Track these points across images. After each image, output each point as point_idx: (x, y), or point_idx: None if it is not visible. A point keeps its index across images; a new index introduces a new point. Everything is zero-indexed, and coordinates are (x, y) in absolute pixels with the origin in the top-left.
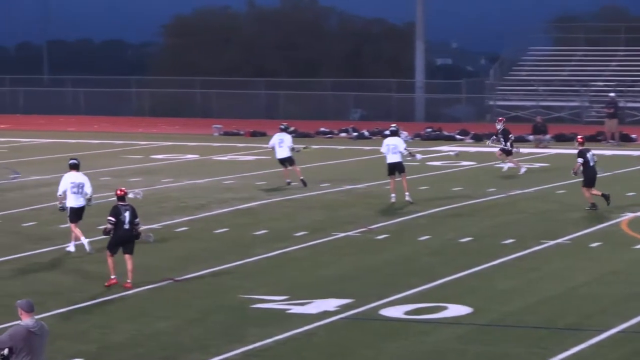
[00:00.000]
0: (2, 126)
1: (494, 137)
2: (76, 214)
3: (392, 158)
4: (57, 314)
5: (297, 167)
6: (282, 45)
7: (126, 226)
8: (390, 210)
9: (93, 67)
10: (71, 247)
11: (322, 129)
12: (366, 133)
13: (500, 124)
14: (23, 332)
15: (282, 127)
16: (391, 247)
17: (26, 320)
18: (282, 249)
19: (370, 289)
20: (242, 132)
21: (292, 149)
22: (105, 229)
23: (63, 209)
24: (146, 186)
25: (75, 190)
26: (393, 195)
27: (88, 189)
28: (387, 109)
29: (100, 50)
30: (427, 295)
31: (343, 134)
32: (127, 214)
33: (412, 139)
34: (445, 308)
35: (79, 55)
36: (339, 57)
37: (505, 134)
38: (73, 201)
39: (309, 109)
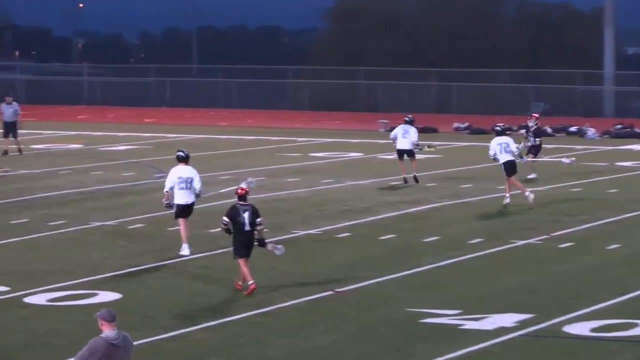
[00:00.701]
0: (147, 120)
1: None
2: (184, 212)
3: (505, 158)
4: (209, 327)
5: (415, 163)
6: (454, 32)
7: (247, 228)
8: (574, 216)
9: (246, 55)
10: (185, 251)
11: (498, 126)
12: (549, 130)
13: (532, 120)
14: (104, 345)
15: (408, 119)
16: (576, 256)
17: (107, 332)
18: (454, 258)
19: (552, 303)
20: None
21: (417, 146)
22: (222, 228)
23: (170, 205)
24: (306, 187)
25: (183, 185)
26: (507, 195)
27: (197, 184)
28: (571, 103)
29: (254, 38)
30: (617, 311)
31: (522, 131)
32: (246, 215)
33: (599, 136)
34: (636, 325)
35: (231, 42)
36: (516, 45)
37: (537, 131)
38: (180, 198)
39: (484, 102)
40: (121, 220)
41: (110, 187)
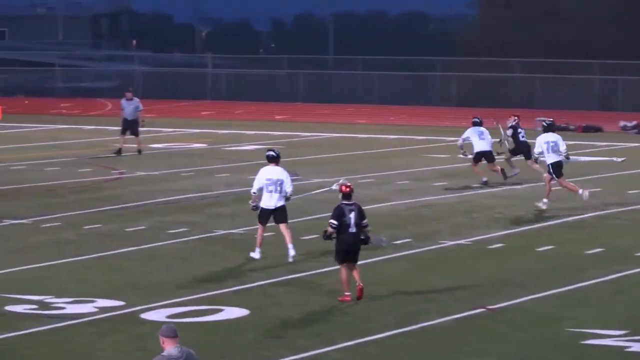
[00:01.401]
0: (279, 117)
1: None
2: (266, 216)
3: (553, 158)
4: (345, 347)
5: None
6: (622, 20)
7: (352, 229)
8: None
9: (388, 45)
10: (255, 254)
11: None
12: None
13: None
14: None
15: (477, 120)
16: None
17: (169, 350)
18: (621, 272)
19: None
20: (572, 127)
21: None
22: (326, 232)
23: (256, 208)
24: (455, 191)
25: (272, 188)
26: (545, 201)
27: (288, 187)
28: None
29: (396, 25)
30: None
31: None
32: (352, 215)
33: None
34: None
35: (370, 31)
36: None
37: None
38: (266, 200)
39: None
40: (248, 228)
41: (237, 191)
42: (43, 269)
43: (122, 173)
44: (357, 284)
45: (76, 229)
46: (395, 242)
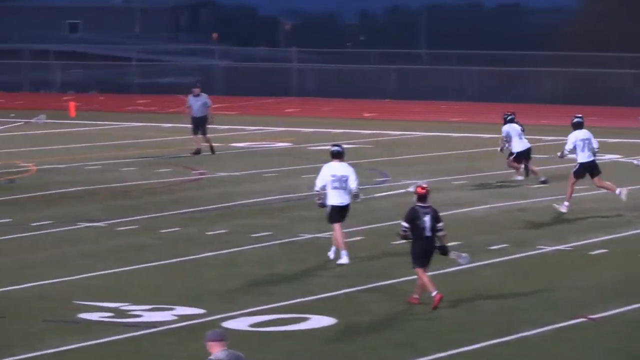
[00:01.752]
0: (367, 115)
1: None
2: (339, 214)
3: (587, 156)
4: (436, 358)
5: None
6: None
7: (427, 233)
8: None
9: (483, 39)
10: (331, 254)
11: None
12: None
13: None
14: None
15: (510, 116)
16: None
17: (217, 354)
18: None
19: None
20: None
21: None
22: (401, 234)
23: (323, 205)
24: (553, 194)
25: (337, 184)
26: (566, 204)
27: (353, 183)
28: None
29: (491, 18)
30: None
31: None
32: (427, 219)
33: None
34: None
35: (465, 24)
36: None
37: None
38: (334, 198)
39: None
40: None
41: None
42: (119, 274)
43: (202, 174)
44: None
45: (153, 233)
46: (490, 248)
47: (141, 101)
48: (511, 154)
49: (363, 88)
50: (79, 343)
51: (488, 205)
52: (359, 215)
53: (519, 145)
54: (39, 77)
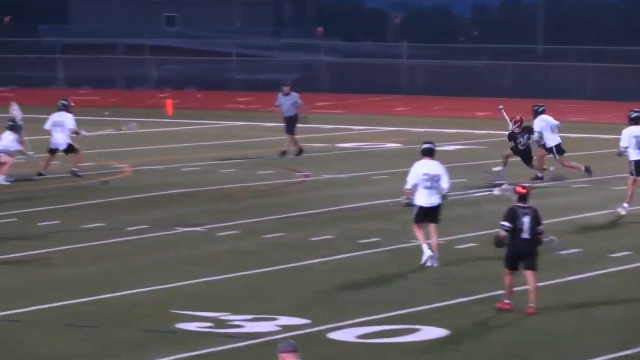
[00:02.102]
0: (480, 114)
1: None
2: (427, 215)
3: (637, 155)
4: None
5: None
6: None
7: (525, 235)
8: None
9: (606, 34)
10: (426, 257)
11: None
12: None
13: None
14: None
15: (542, 107)
16: None
17: None
18: None
19: None
20: None
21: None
22: (497, 237)
23: (410, 205)
24: None
25: (428, 184)
26: (625, 205)
27: (445, 183)
28: None
29: (612, 13)
30: None
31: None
32: (526, 220)
33: None
34: None
35: (582, 18)
36: None
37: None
38: (424, 198)
39: None
40: (447, 238)
41: None
42: (219, 282)
43: (306, 176)
44: (530, 305)
45: (255, 238)
46: (612, 255)
47: (241, 99)
48: (547, 148)
49: (476, 85)
50: (178, 354)
51: (609, 210)
52: (471, 220)
53: (553, 139)
54: (134, 73)
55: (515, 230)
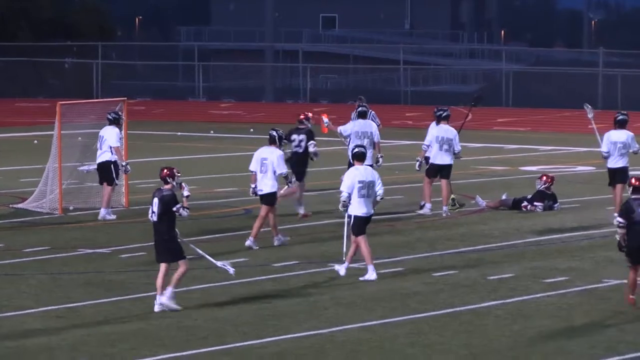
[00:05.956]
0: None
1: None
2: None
3: (616, 162)
4: None
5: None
6: None
7: None
8: None
9: None
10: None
11: None
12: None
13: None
14: None
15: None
16: None
17: None
18: None
19: None
20: None
21: None
22: (619, 242)
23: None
24: None
25: (364, 192)
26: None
27: (379, 188)
28: None
29: None
30: None
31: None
32: None
33: None
34: None
35: None
36: None
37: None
38: (359, 208)
39: None
40: None
41: None
42: (382, 327)
43: (484, 207)
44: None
45: (422, 277)
46: None
47: (410, 114)
48: None
49: None
50: None
51: None
52: None
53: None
54: (285, 84)
55: (631, 222)
